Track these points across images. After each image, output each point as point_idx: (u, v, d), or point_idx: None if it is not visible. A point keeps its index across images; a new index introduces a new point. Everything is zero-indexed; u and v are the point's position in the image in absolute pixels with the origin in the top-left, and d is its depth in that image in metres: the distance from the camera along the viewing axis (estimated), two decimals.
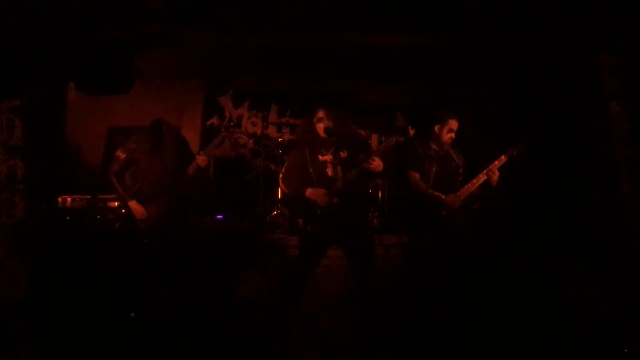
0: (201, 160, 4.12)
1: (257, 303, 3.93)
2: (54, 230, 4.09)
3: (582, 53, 4.05)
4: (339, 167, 3.56)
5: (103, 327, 3.39)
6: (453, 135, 4.00)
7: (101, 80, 3.81)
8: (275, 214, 5.48)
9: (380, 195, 5.70)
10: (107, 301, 3.68)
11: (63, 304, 3.61)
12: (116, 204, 4.71)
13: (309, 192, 3.55)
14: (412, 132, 3.58)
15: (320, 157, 3.61)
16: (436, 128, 4.02)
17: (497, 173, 3.87)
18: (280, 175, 3.92)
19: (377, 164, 3.41)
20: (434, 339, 3.31)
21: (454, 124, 3.98)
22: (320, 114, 3.61)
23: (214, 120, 6.47)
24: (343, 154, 3.56)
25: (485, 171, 3.89)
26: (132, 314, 3.64)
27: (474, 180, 3.90)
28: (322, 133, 3.59)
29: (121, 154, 4.05)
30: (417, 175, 3.96)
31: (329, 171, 3.58)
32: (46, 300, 3.61)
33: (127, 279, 3.87)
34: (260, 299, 4.00)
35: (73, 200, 4.84)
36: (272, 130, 6.50)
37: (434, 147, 4.02)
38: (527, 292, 3.74)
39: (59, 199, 4.73)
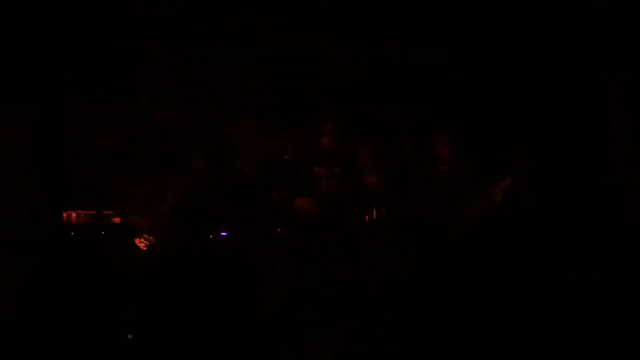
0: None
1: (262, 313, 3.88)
2: (59, 245, 4.07)
3: (582, 55, 4.05)
4: (333, 180, 3.55)
5: (103, 345, 3.35)
6: (445, 150, 3.93)
7: (106, 91, 3.87)
8: (279, 231, 5.44)
9: (376, 210, 5.63)
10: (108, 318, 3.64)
11: (61, 316, 3.59)
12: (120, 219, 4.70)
13: (299, 201, 3.52)
14: (410, 147, 3.57)
15: (316, 168, 3.61)
16: (428, 145, 3.98)
17: (501, 193, 3.82)
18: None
19: (374, 179, 3.40)
20: (434, 343, 3.24)
21: (441, 138, 3.90)
22: (320, 126, 3.63)
23: None
24: (338, 169, 3.56)
25: (489, 191, 3.82)
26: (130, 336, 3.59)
27: (479, 201, 3.80)
28: (320, 146, 3.60)
29: None
30: (419, 195, 3.92)
31: (324, 183, 3.57)
32: (44, 315, 3.58)
33: (131, 295, 3.84)
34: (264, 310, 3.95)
35: (78, 216, 4.83)
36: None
37: (432, 164, 3.95)
38: (531, 299, 3.67)
39: (64, 215, 4.74)
